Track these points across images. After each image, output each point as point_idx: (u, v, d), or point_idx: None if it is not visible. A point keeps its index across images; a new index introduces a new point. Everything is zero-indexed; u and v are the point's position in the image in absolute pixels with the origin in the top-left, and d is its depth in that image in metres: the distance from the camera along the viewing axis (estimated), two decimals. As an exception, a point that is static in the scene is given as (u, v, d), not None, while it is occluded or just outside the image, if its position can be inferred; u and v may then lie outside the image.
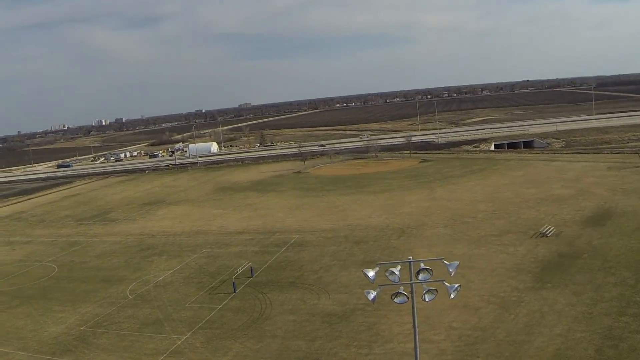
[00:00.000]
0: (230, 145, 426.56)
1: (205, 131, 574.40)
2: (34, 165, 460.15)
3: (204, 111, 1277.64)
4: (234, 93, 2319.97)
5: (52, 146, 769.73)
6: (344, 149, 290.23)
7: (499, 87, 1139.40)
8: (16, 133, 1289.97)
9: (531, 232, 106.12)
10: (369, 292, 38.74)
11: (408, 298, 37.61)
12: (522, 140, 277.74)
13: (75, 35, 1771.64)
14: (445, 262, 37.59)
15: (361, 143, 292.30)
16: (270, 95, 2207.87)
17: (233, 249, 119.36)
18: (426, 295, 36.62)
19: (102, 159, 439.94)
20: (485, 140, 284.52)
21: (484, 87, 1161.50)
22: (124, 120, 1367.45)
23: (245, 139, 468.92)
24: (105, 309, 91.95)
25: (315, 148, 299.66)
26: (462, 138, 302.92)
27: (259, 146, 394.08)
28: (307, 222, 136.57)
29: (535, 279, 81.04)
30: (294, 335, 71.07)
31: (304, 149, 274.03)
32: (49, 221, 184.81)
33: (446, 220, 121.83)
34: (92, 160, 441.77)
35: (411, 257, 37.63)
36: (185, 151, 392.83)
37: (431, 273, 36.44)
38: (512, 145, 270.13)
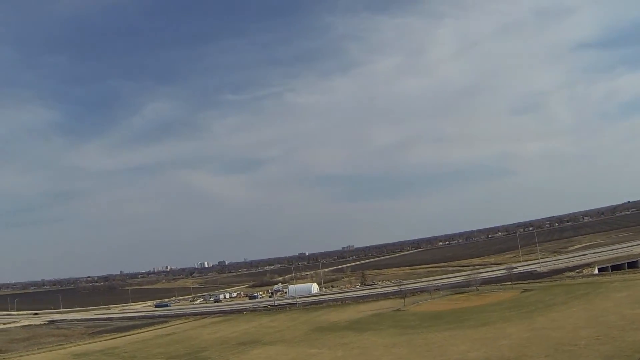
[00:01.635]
0: (331, 286, 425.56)
1: (306, 273, 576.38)
2: (132, 303, 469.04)
3: (307, 254, 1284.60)
4: (337, 236, 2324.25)
5: (152, 286, 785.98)
6: (445, 284, 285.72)
7: (599, 212, 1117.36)
8: (118, 272, 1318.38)
9: (637, 355, 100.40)
10: None
11: None
12: (626, 261, 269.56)
13: (177, 179, 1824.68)
14: None
15: (462, 278, 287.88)
16: (373, 237, 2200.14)
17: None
18: None
19: (200, 300, 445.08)
20: (588, 265, 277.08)
21: (585, 213, 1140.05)
22: (226, 263, 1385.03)
23: (347, 279, 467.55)
24: None
25: (416, 285, 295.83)
26: (564, 265, 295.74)
27: (359, 286, 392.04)
28: None
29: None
30: None
31: (403, 286, 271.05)
32: (140, 357, 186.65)
33: (547, 350, 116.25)
34: (190, 301, 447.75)
35: None
36: (286, 292, 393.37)
37: None
38: (616, 267, 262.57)
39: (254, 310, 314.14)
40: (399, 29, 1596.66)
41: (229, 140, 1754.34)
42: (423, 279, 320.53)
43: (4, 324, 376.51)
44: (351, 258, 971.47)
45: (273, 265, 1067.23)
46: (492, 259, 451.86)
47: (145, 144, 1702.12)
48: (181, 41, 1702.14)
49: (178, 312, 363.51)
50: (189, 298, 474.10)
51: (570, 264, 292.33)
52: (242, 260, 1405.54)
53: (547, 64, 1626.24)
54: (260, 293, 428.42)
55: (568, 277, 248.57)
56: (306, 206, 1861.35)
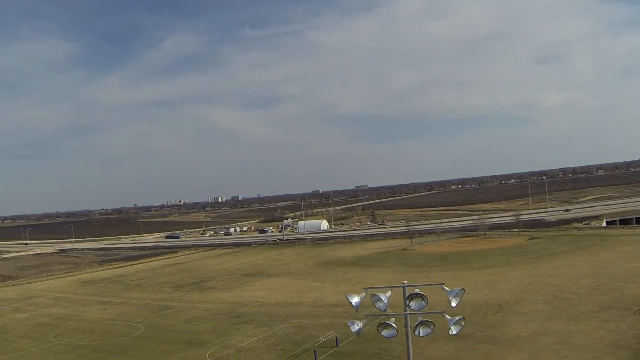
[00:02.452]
0: (342, 224, 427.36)
1: (318, 210, 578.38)
2: (143, 235, 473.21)
3: (320, 192, 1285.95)
4: (351, 175, 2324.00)
5: (165, 219, 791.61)
6: (453, 227, 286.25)
7: (614, 166, 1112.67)
8: (132, 206, 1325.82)
9: (635, 307, 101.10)
10: (352, 323, 33.44)
11: (397, 331, 32.13)
12: (634, 216, 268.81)
13: (195, 114, 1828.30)
14: (445, 288, 32.54)
15: (470, 221, 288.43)
16: (386, 177, 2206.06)
17: (323, 321, 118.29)
18: (420, 329, 31.69)
19: (211, 233, 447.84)
20: (596, 217, 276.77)
21: (600, 167, 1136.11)
22: (240, 199, 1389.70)
23: (357, 217, 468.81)
24: None
25: (424, 226, 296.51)
26: (573, 216, 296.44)
27: (369, 224, 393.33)
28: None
29: (635, 356, 76.72)
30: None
31: (411, 227, 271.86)
32: (145, 286, 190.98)
33: (546, 297, 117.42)
34: (201, 233, 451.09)
35: (406, 282, 33.21)
36: (296, 228, 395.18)
37: (426, 301, 32.03)
38: (625, 222, 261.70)
39: (262, 244, 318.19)
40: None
41: (248, 76, 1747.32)
42: (432, 221, 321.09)
43: (17, 252, 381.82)
44: (364, 197, 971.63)
45: (286, 201, 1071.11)
46: (502, 205, 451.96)
47: (164, 78, 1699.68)
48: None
49: (187, 243, 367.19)
50: (200, 231, 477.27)
51: (579, 215, 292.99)
52: (256, 196, 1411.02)
53: (575, 13, 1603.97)
54: (271, 228, 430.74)
55: (575, 227, 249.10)
56: (322, 145, 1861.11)
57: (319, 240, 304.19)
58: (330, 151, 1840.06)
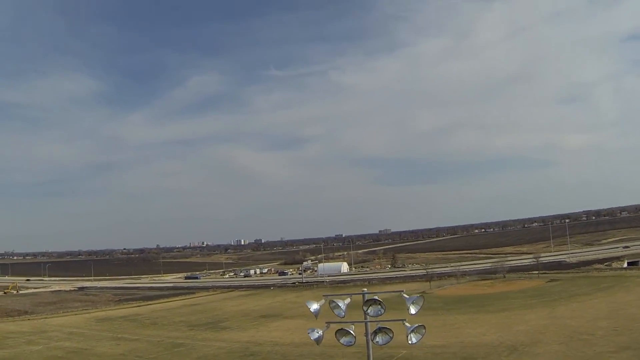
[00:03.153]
0: (362, 267, 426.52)
1: (339, 253, 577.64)
2: (162, 275, 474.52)
3: (343, 236, 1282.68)
4: (374, 219, 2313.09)
5: (186, 260, 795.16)
6: (473, 270, 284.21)
7: (638, 208, 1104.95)
8: (155, 246, 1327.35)
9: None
10: (312, 331, 32.74)
11: (355, 339, 31.36)
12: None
13: (218, 154, 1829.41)
14: (404, 295, 31.74)
15: (490, 264, 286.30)
16: (410, 222, 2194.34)
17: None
18: (379, 337, 30.83)
19: (231, 274, 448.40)
20: (618, 258, 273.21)
21: (623, 209, 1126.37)
22: (262, 241, 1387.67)
23: (377, 261, 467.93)
24: None
25: (444, 269, 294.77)
26: (594, 257, 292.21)
27: (389, 268, 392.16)
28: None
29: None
30: None
31: (430, 270, 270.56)
32: (161, 324, 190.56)
33: (562, 338, 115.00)
34: (221, 275, 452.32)
35: (365, 289, 31.38)
36: (316, 270, 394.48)
37: (384, 308, 31.01)
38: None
39: (281, 286, 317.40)
40: (446, 10, 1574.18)
41: (272, 116, 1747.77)
42: (452, 264, 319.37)
43: (35, 288, 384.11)
44: (387, 241, 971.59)
45: (309, 245, 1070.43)
46: (524, 249, 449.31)
47: (188, 117, 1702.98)
48: (229, 14, 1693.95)
49: (206, 284, 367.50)
50: (220, 272, 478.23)
51: (600, 257, 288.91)
52: (279, 239, 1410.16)
53: (596, 53, 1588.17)
54: (291, 270, 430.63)
55: (596, 269, 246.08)
56: (346, 188, 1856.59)
57: (338, 283, 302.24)
58: (354, 194, 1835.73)
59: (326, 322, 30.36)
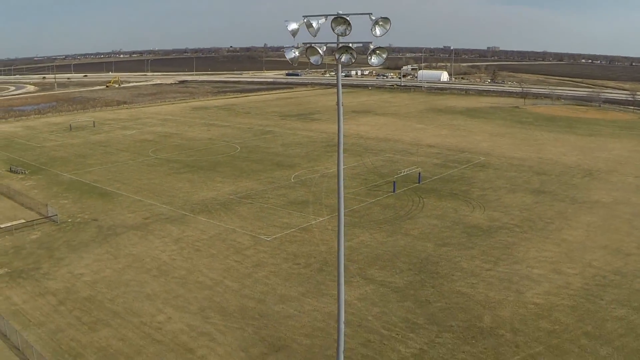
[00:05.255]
0: (462, 78, 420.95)
1: (442, 64, 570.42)
2: (264, 71, 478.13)
3: (451, 48, 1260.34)
4: (484, 35, 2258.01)
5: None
6: (569, 95, 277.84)
7: None
8: (262, 45, 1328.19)
9: None
10: (289, 50, 29.78)
11: (322, 58, 29.32)
12: None
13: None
14: (371, 17, 28.07)
15: (585, 92, 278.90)
16: (519, 42, 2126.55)
17: (415, 158, 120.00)
18: (343, 55, 28.60)
19: (331, 73, 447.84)
20: None
21: None
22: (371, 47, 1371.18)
23: (478, 74, 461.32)
24: (261, 186, 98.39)
25: (541, 90, 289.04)
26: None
27: (488, 82, 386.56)
28: (501, 148, 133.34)
29: None
30: (426, 238, 70.64)
31: (526, 87, 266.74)
32: (254, 114, 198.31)
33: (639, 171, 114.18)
34: (322, 74, 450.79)
35: (340, 11, 30.00)
36: (416, 76, 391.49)
37: (350, 27, 28.12)
38: None
39: (380, 87, 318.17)
40: None
41: None
42: (551, 87, 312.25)
43: (137, 82, 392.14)
44: (492, 58, 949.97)
45: (415, 53, 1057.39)
46: (627, 85, 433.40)
47: None
48: None
49: (305, 81, 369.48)
50: (321, 71, 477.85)
51: None
52: (387, 45, 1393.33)
53: None
54: (391, 74, 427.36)
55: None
56: (456, 2, 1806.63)
57: (435, 90, 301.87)
58: (465, 8, 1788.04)
59: (303, 43, 30.10)
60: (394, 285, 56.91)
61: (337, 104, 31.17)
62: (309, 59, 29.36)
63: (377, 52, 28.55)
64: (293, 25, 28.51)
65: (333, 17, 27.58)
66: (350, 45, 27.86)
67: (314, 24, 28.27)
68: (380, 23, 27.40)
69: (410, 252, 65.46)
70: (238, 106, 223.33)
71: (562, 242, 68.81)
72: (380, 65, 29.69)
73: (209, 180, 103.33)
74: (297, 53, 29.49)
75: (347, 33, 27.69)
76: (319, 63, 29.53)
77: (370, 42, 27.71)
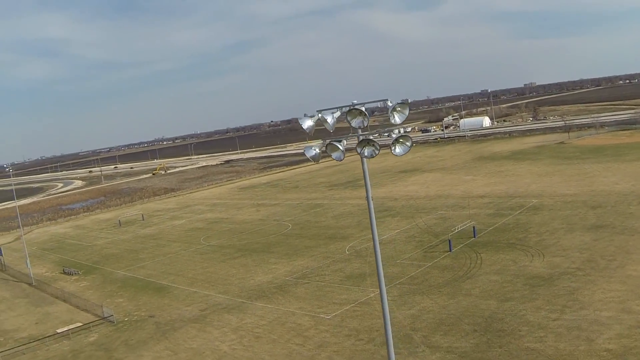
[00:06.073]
0: (504, 120, 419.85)
1: (482, 108, 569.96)
2: (308, 141, 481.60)
3: (488, 91, 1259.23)
4: (519, 73, 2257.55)
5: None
6: (612, 120, 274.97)
7: None
8: (302, 115, 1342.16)
9: None
10: (309, 149, 30.10)
11: (344, 154, 29.01)
12: None
13: (354, 19, 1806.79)
14: (388, 103, 27.59)
15: (628, 115, 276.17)
16: (555, 74, 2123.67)
17: (467, 211, 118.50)
18: (365, 149, 28.14)
19: (375, 135, 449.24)
20: None
21: None
22: (409, 101, 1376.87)
23: (519, 114, 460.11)
24: (317, 263, 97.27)
25: (583, 120, 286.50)
26: None
27: (531, 120, 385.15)
28: (551, 187, 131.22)
29: None
30: (488, 295, 68.75)
31: (569, 120, 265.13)
32: (302, 187, 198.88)
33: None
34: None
35: (355, 101, 28.46)
36: (458, 126, 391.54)
37: (368, 118, 27.84)
38: None
39: (423, 143, 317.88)
40: None
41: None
42: (593, 115, 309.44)
43: (183, 166, 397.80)
44: (531, 94, 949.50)
45: (454, 102, 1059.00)
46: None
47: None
48: None
49: (348, 145, 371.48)
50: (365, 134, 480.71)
51: None
52: (425, 98, 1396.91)
53: None
54: (434, 127, 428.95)
55: None
56: (487, 44, 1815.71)
57: (479, 137, 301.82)
58: (496, 49, 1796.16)
59: (323, 139, 29.28)
60: (461, 350, 55.05)
61: (367, 198, 30.52)
62: (331, 155, 28.68)
63: (401, 140, 27.53)
64: (308, 123, 28.04)
65: (348, 108, 26.86)
66: (372, 138, 27.08)
67: (329, 119, 27.65)
68: (398, 109, 26.54)
69: (474, 312, 63.66)
70: (285, 180, 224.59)
71: (627, 278, 66.77)
72: (406, 152, 28.26)
73: (263, 262, 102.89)
74: (317, 150, 29.00)
75: (365, 124, 26.92)
76: (342, 159, 28.74)
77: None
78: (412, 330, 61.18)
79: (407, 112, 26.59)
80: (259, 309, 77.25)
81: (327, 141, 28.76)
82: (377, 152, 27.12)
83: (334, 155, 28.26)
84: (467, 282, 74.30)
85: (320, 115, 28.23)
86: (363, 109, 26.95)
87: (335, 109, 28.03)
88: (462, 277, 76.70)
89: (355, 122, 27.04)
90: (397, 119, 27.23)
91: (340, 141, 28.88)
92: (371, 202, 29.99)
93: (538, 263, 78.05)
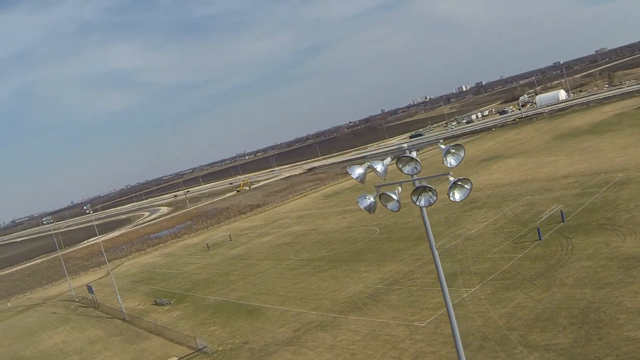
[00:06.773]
0: (580, 91, 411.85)
1: (557, 81, 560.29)
2: (388, 139, 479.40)
3: (561, 62, 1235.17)
4: (589, 40, 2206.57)
5: (410, 119, 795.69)
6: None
7: None
8: (379, 112, 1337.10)
9: None
10: (363, 198, 29.01)
11: (399, 203, 27.63)
12: None
13: (420, 9, 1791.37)
14: (441, 146, 26.47)
15: None
16: (626, 37, 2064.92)
17: (554, 194, 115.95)
18: (421, 198, 26.57)
19: (454, 123, 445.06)
20: None
21: None
22: (483, 84, 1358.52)
23: (594, 82, 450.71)
24: (407, 267, 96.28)
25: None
26: None
27: (606, 87, 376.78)
28: (636, 159, 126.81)
29: None
30: (583, 283, 66.77)
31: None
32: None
33: None
34: (444, 127, 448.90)
35: (406, 145, 28.09)
36: (534, 103, 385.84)
37: (418, 165, 26.84)
38: None
39: (502, 125, 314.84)
40: None
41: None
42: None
43: (266, 179, 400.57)
44: (603, 61, 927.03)
45: (528, 78, 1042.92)
46: None
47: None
48: None
49: (430, 139, 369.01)
50: (442, 124, 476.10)
51: None
52: (499, 78, 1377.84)
53: None
54: (510, 107, 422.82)
55: None
56: (554, 14, 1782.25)
57: (557, 112, 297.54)
58: (564, 20, 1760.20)
59: (375, 187, 28.54)
60: (559, 347, 53.49)
61: (431, 247, 29.95)
62: (385, 205, 28.11)
63: (459, 183, 26.30)
64: (359, 171, 27.61)
65: (398, 156, 26.21)
66: (426, 184, 26.23)
67: (379, 168, 27.15)
68: (453, 151, 25.40)
69: (570, 304, 61.91)
70: (369, 182, 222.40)
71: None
72: (467, 196, 26.81)
73: (353, 272, 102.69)
74: (372, 199, 28.52)
75: (418, 170, 26.21)
76: (397, 209, 28.04)
77: (449, 174, 25.31)
78: (508, 330, 60.06)
79: (462, 154, 25.17)
80: (352, 322, 76.98)
81: (380, 191, 28.14)
82: (434, 198, 26.03)
83: (389, 205, 27.56)
84: (560, 271, 72.53)
85: (369, 163, 27.67)
86: (414, 154, 25.98)
87: (386, 156, 27.54)
88: (554, 267, 74.93)
89: (407, 170, 26.32)
90: (452, 161, 25.69)
91: (394, 190, 28.03)
92: (436, 253, 29.04)
93: (630, 242, 75.50)
